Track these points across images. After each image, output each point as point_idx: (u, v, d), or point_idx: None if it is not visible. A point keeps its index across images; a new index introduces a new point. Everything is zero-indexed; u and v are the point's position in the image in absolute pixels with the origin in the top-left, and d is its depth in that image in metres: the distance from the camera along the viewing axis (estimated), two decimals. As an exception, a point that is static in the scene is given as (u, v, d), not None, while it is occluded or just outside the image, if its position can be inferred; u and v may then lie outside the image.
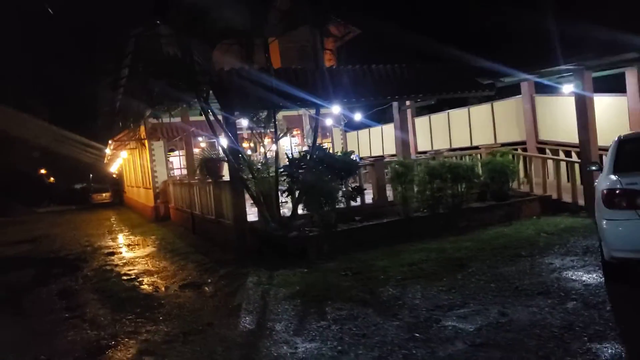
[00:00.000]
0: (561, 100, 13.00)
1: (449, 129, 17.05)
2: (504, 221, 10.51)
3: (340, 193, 9.94)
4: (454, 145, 16.47)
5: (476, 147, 14.78)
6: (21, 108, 32.98)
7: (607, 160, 6.23)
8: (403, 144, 12.14)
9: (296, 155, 10.73)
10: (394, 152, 18.99)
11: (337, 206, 10.03)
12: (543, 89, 13.83)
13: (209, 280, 8.39)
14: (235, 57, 10.41)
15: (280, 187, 10.04)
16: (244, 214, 10.40)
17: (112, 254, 12.69)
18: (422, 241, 9.28)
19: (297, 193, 10.02)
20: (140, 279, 9.21)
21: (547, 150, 13.25)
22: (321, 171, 9.68)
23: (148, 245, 13.41)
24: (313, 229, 9.88)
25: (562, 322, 4.87)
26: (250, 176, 10.14)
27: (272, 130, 10.47)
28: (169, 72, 9.04)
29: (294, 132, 19.57)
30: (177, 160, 20.69)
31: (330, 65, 12.45)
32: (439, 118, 17.67)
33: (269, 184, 9.96)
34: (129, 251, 12.87)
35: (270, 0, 10.06)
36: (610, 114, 11.36)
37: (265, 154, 10.61)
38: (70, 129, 37.44)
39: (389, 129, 20.45)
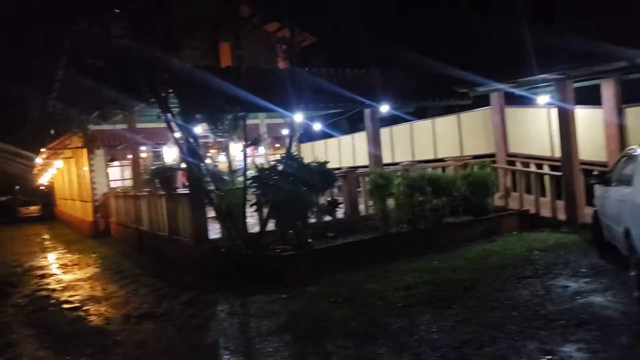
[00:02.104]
0: (532, 112, 12.73)
1: (412, 141, 16.52)
2: (485, 237, 9.90)
3: (315, 207, 8.97)
4: (417, 158, 15.93)
5: (441, 160, 14.33)
6: None
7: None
8: (376, 155, 11.37)
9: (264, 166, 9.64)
10: (352, 164, 18.32)
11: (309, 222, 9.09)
12: (512, 101, 13.56)
13: (171, 310, 7.15)
14: (197, 59, 9.32)
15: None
16: (205, 230, 9.23)
17: (48, 275, 11.06)
18: (407, 260, 8.47)
19: (266, 207, 8.99)
20: (86, 307, 7.81)
21: (518, 163, 12.90)
22: (295, 183, 8.68)
23: (89, 265, 11.84)
24: (285, 247, 8.86)
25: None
26: (213, 188, 9.01)
27: (238, 137, 9.41)
28: (123, 68, 7.79)
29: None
30: (117, 171, 18.99)
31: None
32: (401, 130, 17.12)
33: (236, 197, 8.86)
34: (68, 272, 11.27)
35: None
36: (586, 127, 11.11)
37: (230, 163, 9.48)
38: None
39: (347, 140, 19.79)
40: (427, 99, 10.80)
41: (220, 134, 9.16)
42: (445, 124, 15.34)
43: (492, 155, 13.54)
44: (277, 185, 8.63)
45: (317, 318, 5.96)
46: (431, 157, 15.40)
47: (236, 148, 10.35)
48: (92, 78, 8.35)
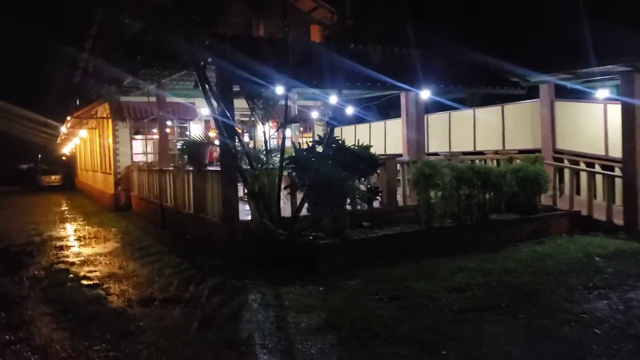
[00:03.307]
0: (586, 106, 11.88)
1: (449, 131, 15.73)
2: (533, 237, 9.21)
3: (355, 194, 8.34)
4: (454, 149, 15.14)
5: (480, 152, 13.60)
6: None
7: None
8: (418, 144, 10.60)
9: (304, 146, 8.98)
10: (382, 152, 17.59)
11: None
12: (563, 94, 12.71)
13: (199, 295, 6.59)
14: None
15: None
16: (236, 210, 8.66)
17: (66, 247, 10.63)
18: (452, 257, 7.83)
19: (301, 191, 8.39)
20: (106, 285, 7.29)
21: (566, 161, 12.09)
22: (335, 167, 8.05)
23: (109, 240, 11.38)
24: (318, 235, 8.25)
25: None
26: (247, 167, 8.42)
27: (276, 115, 8.80)
28: (162, 31, 7.17)
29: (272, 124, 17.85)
30: (140, 145, 18.48)
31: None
32: (437, 119, 16.33)
33: (271, 178, 8.26)
34: (87, 246, 10.81)
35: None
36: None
37: (266, 142, 8.87)
38: (19, 105, 34.11)
39: (378, 126, 19.05)
40: (478, 85, 10.00)
41: (258, 110, 8.53)
42: (487, 114, 14.51)
43: (537, 151, 12.74)
44: (316, 168, 8.02)
45: (362, 317, 5.35)
46: (470, 149, 14.63)
47: (268, 127, 9.75)
48: (127, 42, 7.72)
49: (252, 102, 8.62)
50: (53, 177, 36.99)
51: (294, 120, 9.35)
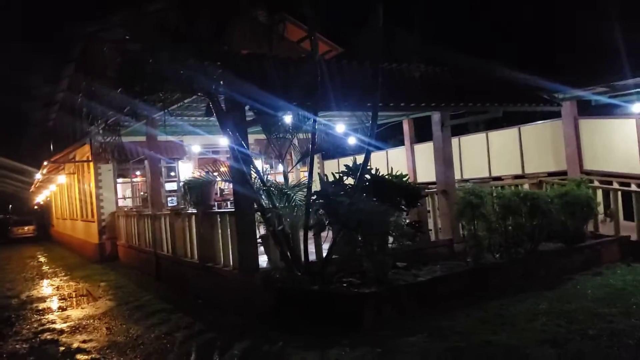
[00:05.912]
0: (614, 123, 11.12)
1: (460, 157, 14.84)
2: (586, 269, 8.21)
3: (396, 230, 7.19)
4: (466, 176, 14.24)
5: (497, 178, 12.74)
6: None
7: None
8: (447, 171, 9.57)
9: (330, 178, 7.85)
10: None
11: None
12: (585, 112, 12.00)
13: (228, 368, 5.32)
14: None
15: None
16: (255, 258, 7.43)
17: (51, 310, 9.17)
18: (512, 298, 6.78)
19: (330, 229, 7.24)
20: (108, 360, 5.95)
21: (596, 182, 11.24)
22: (371, 200, 6.95)
23: (100, 297, 9.94)
24: (351, 281, 7.05)
25: None
26: (267, 205, 7.24)
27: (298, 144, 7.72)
28: (170, 51, 6.08)
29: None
30: (125, 188, 17.06)
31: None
32: (445, 145, 15.45)
33: (297, 217, 7.10)
34: (75, 306, 9.37)
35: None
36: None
37: (285, 177, 7.75)
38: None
39: (378, 156, 18.09)
40: (514, 103, 9.11)
41: (275, 140, 7.44)
42: (501, 137, 13.72)
43: (561, 173, 11.93)
44: (348, 203, 6.88)
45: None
46: (483, 175, 13.75)
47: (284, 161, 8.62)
48: (125, 67, 6.57)
49: (269, 132, 7.52)
50: (26, 227, 34.96)
51: (319, 150, 8.24)
